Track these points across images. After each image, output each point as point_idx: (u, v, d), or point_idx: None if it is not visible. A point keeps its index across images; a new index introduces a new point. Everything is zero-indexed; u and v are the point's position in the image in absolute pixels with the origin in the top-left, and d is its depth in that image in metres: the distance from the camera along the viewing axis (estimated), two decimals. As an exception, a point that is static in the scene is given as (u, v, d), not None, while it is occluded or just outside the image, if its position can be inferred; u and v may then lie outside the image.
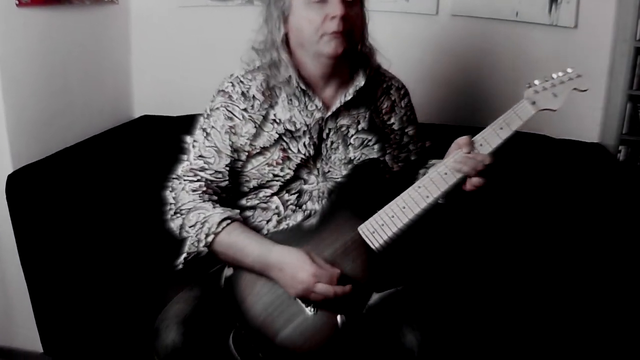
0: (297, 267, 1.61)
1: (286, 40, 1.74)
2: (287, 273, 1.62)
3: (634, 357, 1.96)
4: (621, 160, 2.63)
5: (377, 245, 1.69)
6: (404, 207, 1.68)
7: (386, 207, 1.69)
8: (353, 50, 1.73)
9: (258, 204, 1.81)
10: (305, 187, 1.78)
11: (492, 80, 2.67)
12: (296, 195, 1.79)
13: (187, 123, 1.97)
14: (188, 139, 1.81)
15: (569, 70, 1.71)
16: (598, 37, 2.58)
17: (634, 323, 1.97)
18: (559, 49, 2.59)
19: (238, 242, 1.65)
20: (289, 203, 1.79)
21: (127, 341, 2.10)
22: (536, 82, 1.71)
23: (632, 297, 1.98)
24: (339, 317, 1.65)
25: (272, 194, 1.79)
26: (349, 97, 1.77)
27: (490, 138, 1.69)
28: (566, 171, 2.43)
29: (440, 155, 1.76)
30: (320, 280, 1.60)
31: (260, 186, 1.79)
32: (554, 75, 1.72)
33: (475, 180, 1.67)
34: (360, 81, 1.77)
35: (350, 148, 1.80)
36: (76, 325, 2.19)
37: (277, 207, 1.79)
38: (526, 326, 1.99)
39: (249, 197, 1.82)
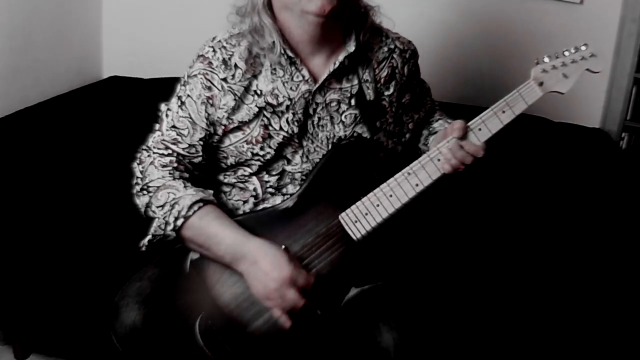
0: (273, 264, 1.53)
1: (269, 3, 1.63)
2: (261, 268, 1.53)
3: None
4: (624, 148, 2.61)
5: (358, 235, 1.61)
6: (391, 196, 1.60)
7: (371, 194, 1.61)
8: (344, 10, 1.61)
9: (236, 182, 1.73)
10: (288, 168, 1.69)
11: (493, 56, 2.63)
12: (277, 176, 1.70)
13: (159, 86, 2.07)
14: (162, 106, 1.71)
15: (583, 47, 1.60)
16: (605, 15, 2.54)
17: (633, 318, 1.92)
18: (562, 25, 2.56)
19: (210, 228, 1.56)
20: (268, 185, 1.70)
21: (83, 319, 2.05)
22: (545, 59, 1.59)
23: (631, 288, 1.95)
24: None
25: (251, 174, 1.70)
26: (337, 65, 1.66)
27: (490, 122, 1.59)
28: (564, 157, 2.40)
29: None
30: (295, 283, 1.52)
31: (239, 164, 1.70)
32: (566, 53, 1.60)
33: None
34: (351, 46, 1.66)
35: (341, 126, 1.70)
36: (29, 302, 2.13)
37: (255, 189, 1.71)
38: (517, 329, 1.93)
39: (227, 173, 1.74)
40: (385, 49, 1.75)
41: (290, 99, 1.64)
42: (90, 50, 2.88)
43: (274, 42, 1.61)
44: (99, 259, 2.08)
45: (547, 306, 1.95)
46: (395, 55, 1.75)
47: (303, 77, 1.64)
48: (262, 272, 1.52)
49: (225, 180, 1.74)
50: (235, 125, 1.65)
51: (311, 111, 1.67)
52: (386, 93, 1.74)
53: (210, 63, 1.64)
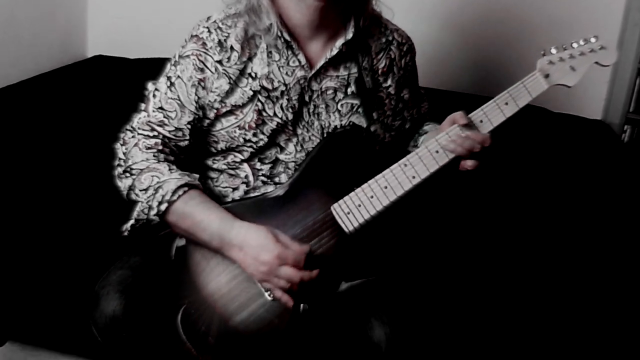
0: (259, 247, 1.51)
1: None
2: (249, 253, 1.52)
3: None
4: (626, 141, 2.57)
5: (350, 228, 1.59)
6: (386, 187, 1.58)
7: (365, 185, 1.58)
8: None
9: (225, 169, 1.70)
10: (282, 156, 1.66)
11: (494, 44, 2.59)
12: (270, 165, 1.66)
13: (145, 67, 2.06)
14: (149, 85, 1.68)
15: (592, 39, 1.58)
16: (609, 3, 2.48)
17: (633, 314, 1.90)
18: (566, 14, 2.49)
19: (195, 214, 1.54)
20: (260, 173, 1.67)
21: (62, 307, 2.01)
22: (552, 50, 1.57)
23: (632, 283, 1.92)
24: (300, 305, 1.57)
25: (243, 160, 1.67)
26: (335, 52, 1.62)
27: (492, 114, 1.57)
28: (564, 150, 2.34)
29: (438, 119, 1.67)
30: (285, 262, 1.50)
31: (229, 149, 1.66)
32: (574, 44, 1.58)
33: (467, 163, 1.59)
34: (349, 33, 1.63)
35: (337, 115, 1.67)
36: (5, 288, 2.08)
37: (246, 176, 1.68)
38: (509, 324, 1.90)
39: (216, 158, 1.71)
40: (384, 39, 1.73)
41: (285, 84, 1.61)
42: (75, 28, 2.85)
43: (271, 23, 1.57)
44: (79, 245, 2.05)
45: (541, 301, 1.92)
46: (393, 47, 1.73)
47: (299, 62, 1.61)
48: (250, 257, 1.51)
49: (214, 166, 1.71)
50: (228, 109, 1.61)
51: (307, 98, 1.64)
52: (384, 85, 1.72)
53: (204, 44, 1.60)
